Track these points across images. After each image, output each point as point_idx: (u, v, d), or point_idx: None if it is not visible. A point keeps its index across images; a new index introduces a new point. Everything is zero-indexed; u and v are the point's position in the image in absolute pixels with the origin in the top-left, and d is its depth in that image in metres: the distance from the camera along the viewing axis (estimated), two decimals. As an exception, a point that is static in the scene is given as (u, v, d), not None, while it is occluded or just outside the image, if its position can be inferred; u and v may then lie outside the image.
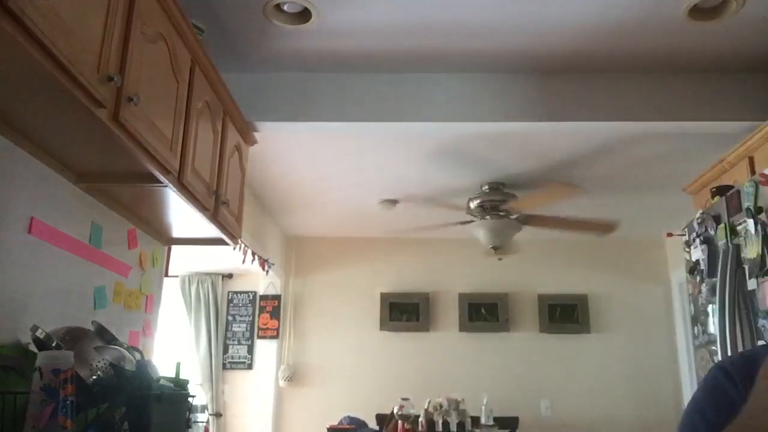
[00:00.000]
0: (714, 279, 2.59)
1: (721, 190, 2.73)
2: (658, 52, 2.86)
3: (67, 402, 1.35)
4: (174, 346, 5.24)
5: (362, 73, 3.09)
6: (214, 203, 2.47)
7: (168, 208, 2.38)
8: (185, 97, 2.14)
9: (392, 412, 3.85)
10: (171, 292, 5.04)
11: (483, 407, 4.08)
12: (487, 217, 4.28)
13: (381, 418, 4.42)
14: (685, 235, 2.96)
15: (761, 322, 2.27)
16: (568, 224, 4.52)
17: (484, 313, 5.61)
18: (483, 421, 4.05)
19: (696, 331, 2.84)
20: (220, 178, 2.55)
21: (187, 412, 1.95)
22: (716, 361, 2.47)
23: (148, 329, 2.67)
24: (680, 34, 2.71)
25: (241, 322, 5.56)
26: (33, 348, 1.62)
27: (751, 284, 2.34)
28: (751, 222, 2.34)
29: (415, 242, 5.76)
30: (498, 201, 4.26)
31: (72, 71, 1.42)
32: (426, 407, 3.93)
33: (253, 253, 4.39)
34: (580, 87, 3.05)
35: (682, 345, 5.32)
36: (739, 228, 2.46)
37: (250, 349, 5.50)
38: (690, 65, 2.98)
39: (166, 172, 2.00)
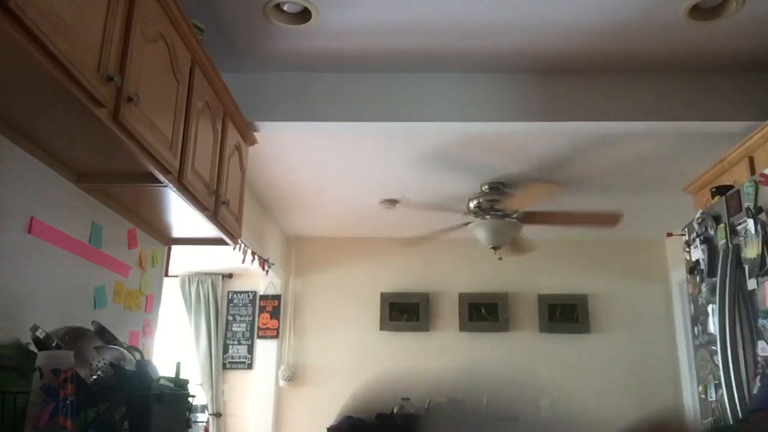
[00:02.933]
0: (714, 279, 2.59)
1: (721, 190, 2.72)
2: (658, 52, 2.86)
3: (67, 402, 1.35)
4: (174, 346, 5.23)
5: (362, 73, 3.09)
6: (214, 203, 2.47)
7: (168, 208, 2.38)
8: (185, 97, 2.14)
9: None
10: (171, 292, 5.04)
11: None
12: (487, 216, 4.28)
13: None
14: (685, 235, 2.96)
15: (761, 322, 2.27)
16: (570, 218, 4.47)
17: (484, 313, 5.61)
18: (483, 421, 4.05)
19: (696, 331, 2.84)
20: (220, 178, 2.55)
21: (187, 412, 1.95)
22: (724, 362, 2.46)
23: (148, 329, 2.67)
24: (680, 34, 2.70)
25: (241, 322, 5.56)
26: (33, 348, 1.62)
27: (751, 284, 2.33)
28: (751, 222, 2.34)
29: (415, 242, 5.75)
30: (498, 201, 4.25)
31: (72, 71, 1.42)
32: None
33: (253, 253, 4.39)
34: (580, 87, 3.05)
35: (682, 345, 5.32)
36: (739, 228, 2.46)
37: (250, 349, 5.50)
38: (690, 65, 2.97)
39: (166, 172, 2.00)
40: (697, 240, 2.79)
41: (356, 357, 5.55)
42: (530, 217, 4.38)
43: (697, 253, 2.79)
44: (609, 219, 4.32)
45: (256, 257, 4.45)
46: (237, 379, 5.45)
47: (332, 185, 4.50)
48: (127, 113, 1.69)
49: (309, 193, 4.67)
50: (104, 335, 1.89)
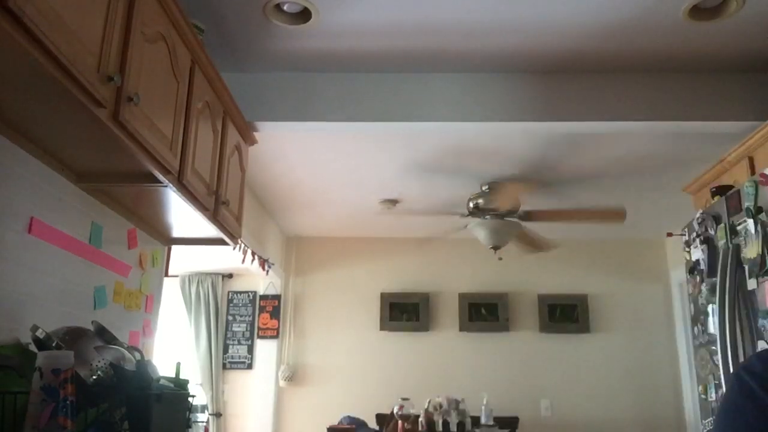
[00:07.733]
0: (714, 279, 2.59)
1: (721, 190, 2.73)
2: (658, 52, 2.86)
3: (67, 402, 1.35)
4: (174, 346, 5.24)
5: (362, 73, 3.09)
6: (214, 203, 2.47)
7: (168, 208, 2.38)
8: (185, 97, 2.14)
9: (392, 412, 3.85)
10: (171, 292, 5.04)
11: (483, 407, 4.08)
12: (487, 216, 4.28)
13: (381, 418, 4.42)
14: (685, 235, 2.96)
15: (761, 322, 2.27)
16: (575, 215, 4.46)
17: (484, 313, 5.61)
18: (483, 421, 4.05)
19: (696, 331, 2.84)
20: (220, 178, 2.55)
21: (187, 412, 1.95)
22: (725, 366, 2.47)
23: (148, 329, 2.67)
24: (680, 34, 2.71)
25: (241, 322, 5.56)
26: (33, 348, 1.62)
27: (751, 284, 2.34)
28: (751, 222, 2.34)
29: (415, 242, 5.76)
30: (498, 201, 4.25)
31: (72, 71, 1.42)
32: (426, 407, 3.93)
33: (253, 253, 4.39)
34: (580, 87, 3.05)
35: (682, 345, 5.32)
36: (739, 228, 2.46)
37: (250, 349, 5.50)
38: (690, 65, 2.98)
39: (166, 172, 2.00)
40: (697, 240, 2.80)
41: (356, 357, 5.55)
42: (532, 216, 4.37)
43: (697, 253, 2.79)
44: (614, 215, 4.28)
45: (256, 257, 4.45)
46: (237, 379, 5.46)
47: (332, 185, 4.50)
48: (127, 113, 1.69)
49: (309, 193, 4.67)
50: (104, 335, 1.89)
